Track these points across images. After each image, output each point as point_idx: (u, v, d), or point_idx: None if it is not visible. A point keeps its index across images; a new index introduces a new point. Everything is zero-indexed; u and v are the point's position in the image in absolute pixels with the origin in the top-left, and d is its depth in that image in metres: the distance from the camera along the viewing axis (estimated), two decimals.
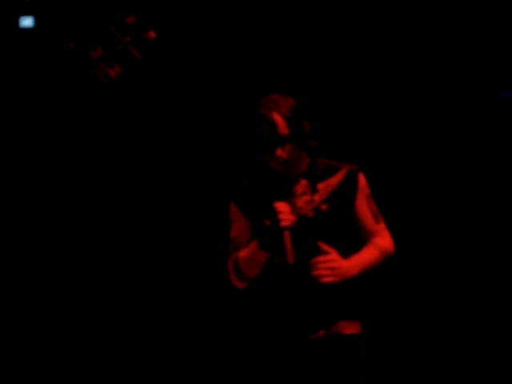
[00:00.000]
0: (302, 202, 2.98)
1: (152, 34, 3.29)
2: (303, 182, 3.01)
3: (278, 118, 2.87)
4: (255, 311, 3.05)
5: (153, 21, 3.29)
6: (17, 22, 5.75)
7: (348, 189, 2.99)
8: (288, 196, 2.97)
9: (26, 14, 5.73)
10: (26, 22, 5.75)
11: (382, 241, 3.05)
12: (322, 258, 2.90)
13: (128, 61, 3.24)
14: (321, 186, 3.01)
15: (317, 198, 2.98)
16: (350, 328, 2.97)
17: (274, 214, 2.84)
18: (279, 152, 2.87)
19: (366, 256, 3.01)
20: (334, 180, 3.01)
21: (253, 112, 2.92)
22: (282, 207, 2.85)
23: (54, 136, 5.65)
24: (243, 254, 2.99)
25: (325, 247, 2.93)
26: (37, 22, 5.71)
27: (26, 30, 5.73)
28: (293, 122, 2.89)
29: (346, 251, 2.99)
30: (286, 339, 2.97)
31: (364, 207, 3.03)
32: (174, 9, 3.28)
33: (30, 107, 5.70)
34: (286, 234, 2.82)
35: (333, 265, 2.90)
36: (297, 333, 2.95)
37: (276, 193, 2.95)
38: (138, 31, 3.24)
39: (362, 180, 3.06)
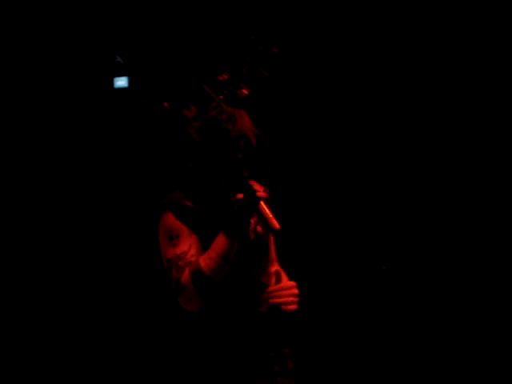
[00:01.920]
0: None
1: (245, 91, 3.27)
2: None
3: (251, 134, 2.86)
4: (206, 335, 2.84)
5: (246, 78, 3.27)
6: (111, 83, 5.84)
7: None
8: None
9: (121, 74, 5.83)
10: (121, 82, 5.84)
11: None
12: (284, 285, 2.83)
13: None
14: None
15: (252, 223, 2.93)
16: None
17: (247, 189, 2.72)
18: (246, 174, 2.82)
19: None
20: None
21: (218, 126, 2.86)
22: (254, 183, 2.76)
23: (147, 192, 5.70)
24: (206, 260, 2.74)
25: (283, 275, 2.90)
26: (131, 82, 5.80)
27: (121, 90, 5.82)
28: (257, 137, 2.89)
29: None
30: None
31: None
32: (266, 66, 3.26)
33: (126, 165, 5.77)
34: (262, 204, 2.71)
35: (295, 292, 2.85)
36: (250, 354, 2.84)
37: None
38: (231, 89, 3.23)
39: None
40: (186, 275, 2.75)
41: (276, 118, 5.60)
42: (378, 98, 5.53)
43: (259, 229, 2.95)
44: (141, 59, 5.73)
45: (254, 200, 2.72)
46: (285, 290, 2.83)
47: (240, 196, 2.75)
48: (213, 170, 2.87)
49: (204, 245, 2.83)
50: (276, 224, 2.72)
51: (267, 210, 2.74)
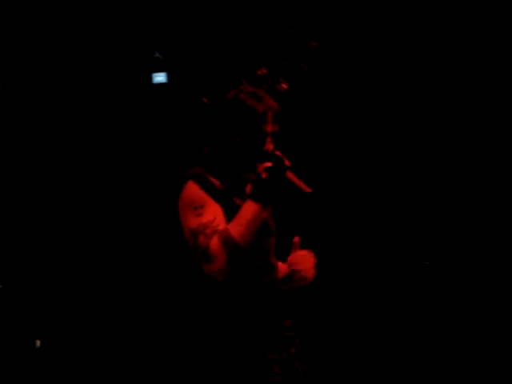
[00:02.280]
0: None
1: (284, 86, 3.26)
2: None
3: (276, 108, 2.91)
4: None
5: (285, 72, 3.26)
6: (150, 78, 5.86)
7: None
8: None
9: (159, 70, 5.83)
10: (160, 77, 5.85)
11: None
12: (303, 253, 2.98)
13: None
14: None
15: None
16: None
17: (275, 158, 2.79)
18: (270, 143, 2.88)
19: None
20: None
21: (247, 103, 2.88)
22: (279, 153, 2.83)
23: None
24: (236, 226, 2.77)
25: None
26: (170, 77, 5.81)
27: (160, 86, 5.83)
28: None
29: None
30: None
31: None
32: (306, 60, 3.25)
33: (164, 160, 5.78)
34: (289, 172, 2.80)
35: (313, 259, 3.01)
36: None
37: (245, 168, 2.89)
38: (271, 83, 3.22)
39: None
40: (215, 242, 2.76)
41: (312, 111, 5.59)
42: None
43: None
44: (180, 54, 5.74)
45: (282, 168, 2.78)
46: (304, 256, 2.95)
47: (268, 164, 2.79)
48: (237, 144, 2.89)
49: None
50: (306, 187, 2.78)
51: (295, 177, 2.79)
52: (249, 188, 2.88)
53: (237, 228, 2.76)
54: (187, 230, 2.82)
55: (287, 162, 2.78)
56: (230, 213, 2.82)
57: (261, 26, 5.45)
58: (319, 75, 5.42)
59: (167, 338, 5.52)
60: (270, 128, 2.86)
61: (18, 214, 5.75)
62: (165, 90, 5.81)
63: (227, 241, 2.75)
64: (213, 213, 2.80)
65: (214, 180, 2.87)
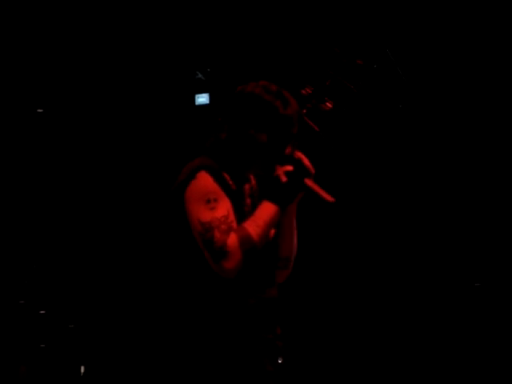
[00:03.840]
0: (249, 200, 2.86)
1: (329, 105, 3.18)
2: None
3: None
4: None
5: (329, 91, 3.18)
6: (193, 100, 5.84)
7: None
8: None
9: (202, 91, 5.82)
10: (202, 99, 5.83)
11: None
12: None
13: (305, 133, 3.15)
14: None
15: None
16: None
17: (296, 162, 2.73)
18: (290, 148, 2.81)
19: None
20: None
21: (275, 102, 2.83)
22: (302, 155, 2.75)
23: None
24: (254, 226, 2.69)
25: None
26: (212, 98, 5.79)
27: (202, 107, 5.82)
28: None
29: None
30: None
31: None
32: (351, 79, 3.17)
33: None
34: (309, 180, 2.74)
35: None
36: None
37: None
38: (315, 102, 3.14)
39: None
40: (233, 239, 2.68)
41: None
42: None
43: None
44: (222, 75, 5.71)
45: (304, 173, 2.74)
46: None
47: (289, 168, 2.74)
48: (259, 141, 2.81)
49: None
50: (329, 197, 2.72)
51: (315, 185, 2.75)
52: (247, 186, 2.84)
53: (255, 228, 2.70)
54: (198, 223, 2.71)
55: (312, 169, 2.74)
56: (235, 210, 2.75)
57: (305, 45, 5.41)
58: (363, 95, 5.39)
59: (159, 334, 5.51)
60: (295, 130, 2.83)
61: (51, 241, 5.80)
62: (207, 111, 5.80)
63: (246, 239, 2.69)
64: (226, 208, 2.72)
65: (225, 175, 2.79)
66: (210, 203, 2.73)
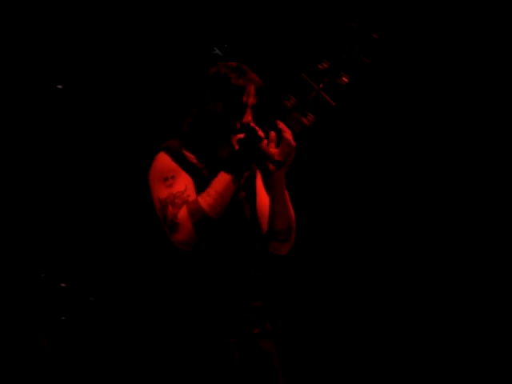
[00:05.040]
0: None
1: (345, 79, 3.20)
2: None
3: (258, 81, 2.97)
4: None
5: (346, 65, 3.20)
6: None
7: None
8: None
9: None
10: None
11: None
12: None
13: (322, 108, 3.17)
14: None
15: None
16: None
17: (248, 129, 2.81)
18: (249, 116, 2.88)
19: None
20: None
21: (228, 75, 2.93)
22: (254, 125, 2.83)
23: None
24: (205, 196, 2.75)
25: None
26: None
27: None
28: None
29: None
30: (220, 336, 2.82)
31: None
32: (367, 52, 3.18)
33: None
34: (264, 144, 2.82)
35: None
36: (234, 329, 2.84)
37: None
38: (331, 77, 3.16)
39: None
40: (183, 211, 2.73)
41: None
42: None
43: (242, 194, 2.96)
44: (238, 50, 5.72)
45: (255, 139, 2.78)
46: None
47: (241, 136, 2.80)
48: (216, 114, 2.90)
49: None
50: (275, 156, 2.80)
51: (269, 149, 2.81)
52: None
53: (206, 198, 2.74)
54: (157, 201, 2.79)
55: (261, 133, 2.79)
56: (204, 188, 2.81)
57: (320, 19, 5.40)
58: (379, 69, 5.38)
59: (127, 316, 5.53)
60: (250, 100, 2.88)
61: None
62: None
63: (195, 210, 2.72)
64: (184, 183, 2.79)
65: (188, 154, 2.86)
66: (167, 180, 2.81)
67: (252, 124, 2.83)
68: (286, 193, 2.91)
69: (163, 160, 2.85)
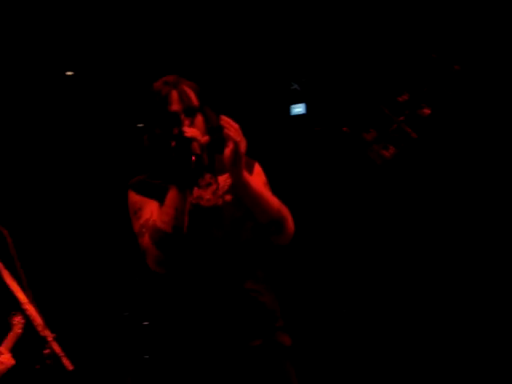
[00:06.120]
0: (209, 193, 2.88)
1: (427, 111, 3.15)
2: (207, 175, 2.88)
3: (186, 88, 2.83)
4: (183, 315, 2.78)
5: (427, 97, 3.16)
6: (288, 110, 5.85)
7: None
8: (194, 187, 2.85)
9: (297, 101, 5.82)
10: (298, 109, 5.84)
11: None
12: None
13: (403, 140, 3.12)
14: (221, 178, 2.90)
15: (220, 190, 2.88)
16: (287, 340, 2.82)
17: (177, 136, 2.69)
18: (187, 123, 2.76)
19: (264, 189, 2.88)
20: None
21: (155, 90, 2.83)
22: (186, 128, 2.71)
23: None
24: (159, 214, 2.72)
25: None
26: (308, 108, 5.78)
27: (298, 117, 5.82)
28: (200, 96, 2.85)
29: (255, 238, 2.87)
30: (221, 346, 2.74)
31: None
32: (448, 84, 3.14)
33: (304, 190, 5.76)
34: (196, 144, 2.66)
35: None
36: (233, 340, 2.73)
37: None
38: (412, 109, 3.12)
39: (257, 168, 2.98)
40: (146, 237, 2.75)
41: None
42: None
43: (227, 197, 2.88)
44: (317, 85, 5.72)
45: (185, 142, 2.67)
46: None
47: (172, 144, 2.72)
48: (160, 134, 2.83)
49: None
50: (196, 150, 2.67)
51: (199, 148, 2.68)
52: (213, 187, 2.85)
53: (160, 216, 2.72)
54: (136, 234, 2.84)
55: (188, 134, 2.67)
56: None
57: (401, 52, 5.37)
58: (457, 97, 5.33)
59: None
60: (174, 107, 2.79)
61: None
62: (303, 121, 5.80)
63: (153, 231, 2.72)
64: (149, 211, 2.79)
65: (151, 181, 2.85)
66: (136, 214, 2.85)
67: (186, 129, 2.71)
68: (257, 190, 2.79)
69: (130, 196, 2.88)
